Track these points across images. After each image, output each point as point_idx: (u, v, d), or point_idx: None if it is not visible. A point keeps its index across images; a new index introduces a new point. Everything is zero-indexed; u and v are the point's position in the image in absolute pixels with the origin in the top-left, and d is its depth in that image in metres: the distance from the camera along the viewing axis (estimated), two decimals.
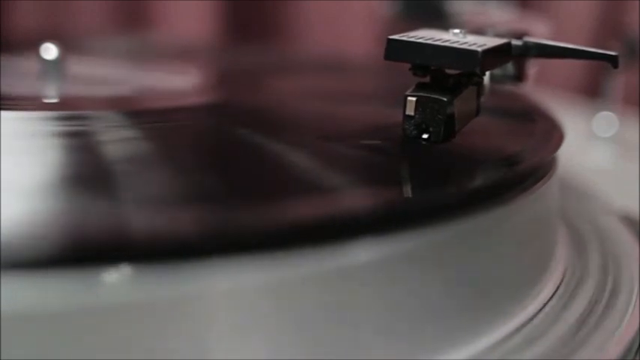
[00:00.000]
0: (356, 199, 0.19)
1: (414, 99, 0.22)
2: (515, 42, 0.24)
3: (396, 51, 0.22)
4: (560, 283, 0.23)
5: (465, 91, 0.23)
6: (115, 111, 0.28)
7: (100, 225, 0.16)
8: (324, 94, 0.33)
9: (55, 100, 0.33)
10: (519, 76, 0.27)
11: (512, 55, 0.24)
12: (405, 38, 0.22)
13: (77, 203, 0.18)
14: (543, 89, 0.41)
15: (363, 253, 0.17)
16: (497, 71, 0.27)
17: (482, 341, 0.19)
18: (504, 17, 0.36)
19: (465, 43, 0.22)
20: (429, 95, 0.22)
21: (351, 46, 0.67)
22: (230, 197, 0.19)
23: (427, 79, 0.23)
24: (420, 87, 0.23)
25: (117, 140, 0.24)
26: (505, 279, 0.21)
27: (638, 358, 0.20)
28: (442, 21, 0.35)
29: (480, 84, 0.24)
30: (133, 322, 0.15)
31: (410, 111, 0.23)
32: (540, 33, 0.30)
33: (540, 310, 0.21)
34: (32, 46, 0.33)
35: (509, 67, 0.27)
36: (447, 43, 0.22)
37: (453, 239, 0.19)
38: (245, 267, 0.16)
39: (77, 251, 0.15)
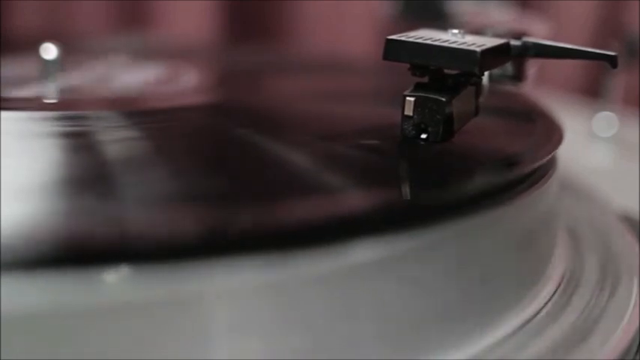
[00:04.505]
0: (355, 199, 0.19)
1: (412, 99, 0.22)
2: (514, 42, 0.24)
3: (394, 51, 0.22)
4: (559, 283, 0.23)
5: (463, 91, 0.23)
6: (115, 111, 0.28)
7: (100, 225, 0.16)
8: (324, 94, 0.33)
9: (55, 100, 0.33)
10: (518, 76, 0.28)
11: (511, 55, 0.24)
12: (403, 38, 0.22)
13: (77, 203, 0.18)
14: (543, 89, 0.41)
15: (363, 253, 0.17)
16: (496, 71, 0.27)
17: (482, 341, 0.19)
18: (504, 17, 0.36)
19: (464, 43, 0.22)
20: (427, 95, 0.22)
21: (351, 46, 0.67)
22: (230, 197, 0.19)
23: (426, 79, 0.23)
24: (418, 87, 0.23)
25: (117, 140, 0.24)
26: (505, 279, 0.21)
27: (638, 358, 0.20)
28: (442, 21, 0.35)
29: (478, 84, 0.24)
30: (132, 323, 0.15)
31: (408, 111, 0.23)
32: (540, 33, 0.30)
33: (540, 310, 0.21)
34: (32, 46, 0.33)
35: (508, 67, 0.27)
36: (445, 44, 0.22)
37: (452, 240, 0.19)
38: (245, 267, 0.16)
39: (77, 251, 0.15)
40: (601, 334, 0.20)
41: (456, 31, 0.23)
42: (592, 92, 0.56)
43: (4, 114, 0.25)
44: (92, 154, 0.22)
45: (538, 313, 0.21)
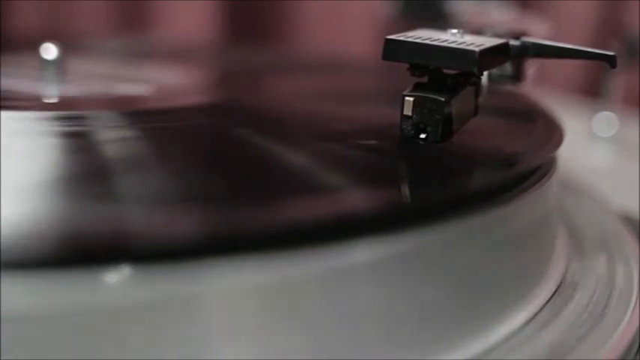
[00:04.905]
0: (355, 199, 0.19)
1: (411, 99, 0.22)
2: (513, 42, 0.24)
3: (393, 51, 0.22)
4: (559, 283, 0.23)
5: (462, 91, 0.23)
6: (115, 111, 0.28)
7: (100, 225, 0.16)
8: (324, 94, 0.33)
9: (55, 100, 0.33)
10: (517, 76, 0.28)
11: (510, 55, 0.24)
12: (402, 38, 0.22)
13: (77, 203, 0.18)
14: (543, 89, 0.41)
15: (363, 253, 0.17)
16: (495, 71, 0.27)
17: (482, 341, 0.19)
18: (504, 17, 0.36)
19: (463, 43, 0.22)
20: (426, 95, 0.22)
21: (351, 46, 0.67)
22: (230, 197, 0.19)
23: (425, 79, 0.23)
24: (417, 87, 0.23)
25: (117, 140, 0.24)
26: (505, 279, 0.21)
27: (638, 358, 0.20)
28: (442, 21, 0.35)
29: (477, 84, 0.24)
30: (132, 322, 0.15)
31: (407, 111, 0.23)
32: (539, 33, 0.30)
33: (540, 310, 0.21)
34: (32, 46, 0.33)
35: (508, 67, 0.27)
36: (444, 43, 0.22)
37: (452, 239, 0.19)
38: (245, 267, 0.16)
39: (77, 251, 0.15)
40: (601, 334, 0.20)
41: (455, 30, 0.23)
42: (592, 92, 0.56)
43: (4, 114, 0.25)
44: (92, 154, 0.22)
45: (538, 312, 0.21)
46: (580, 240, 0.27)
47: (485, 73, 0.25)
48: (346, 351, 0.17)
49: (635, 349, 0.20)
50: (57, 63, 0.32)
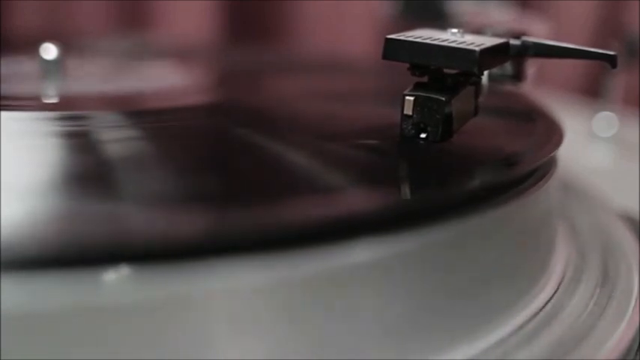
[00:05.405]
0: (355, 199, 0.19)
1: (411, 98, 0.22)
2: (513, 42, 0.24)
3: (394, 50, 0.22)
4: (559, 283, 0.23)
5: (462, 91, 0.23)
6: (115, 111, 0.28)
7: (100, 225, 0.16)
8: (324, 94, 0.33)
9: (55, 100, 0.33)
10: (518, 76, 0.28)
11: (511, 55, 0.24)
12: (402, 38, 0.22)
13: (77, 203, 0.18)
14: (543, 89, 0.41)
15: (363, 253, 0.17)
16: (495, 71, 0.27)
17: (482, 341, 0.19)
18: (504, 17, 0.36)
19: (463, 42, 0.22)
20: (426, 95, 0.22)
21: (351, 46, 0.67)
22: (230, 197, 0.19)
23: (425, 79, 0.23)
24: (418, 86, 0.23)
25: (117, 140, 0.24)
26: (505, 279, 0.21)
27: (638, 358, 0.20)
28: (442, 21, 0.35)
29: (478, 83, 0.24)
30: (132, 322, 0.15)
31: (408, 110, 0.23)
32: (540, 33, 0.30)
33: (540, 309, 0.21)
34: (32, 46, 0.33)
35: (508, 67, 0.27)
36: (444, 43, 0.22)
37: (452, 239, 0.19)
38: (244, 267, 0.16)
39: (77, 251, 0.15)
40: (601, 334, 0.20)
41: (455, 30, 0.23)
42: (592, 92, 0.56)
43: (4, 114, 0.25)
44: (92, 154, 0.22)
45: (538, 312, 0.21)
46: (580, 240, 0.26)
47: (486, 72, 0.25)
48: (345, 351, 0.17)
49: (635, 349, 0.20)
50: (57, 63, 0.32)
